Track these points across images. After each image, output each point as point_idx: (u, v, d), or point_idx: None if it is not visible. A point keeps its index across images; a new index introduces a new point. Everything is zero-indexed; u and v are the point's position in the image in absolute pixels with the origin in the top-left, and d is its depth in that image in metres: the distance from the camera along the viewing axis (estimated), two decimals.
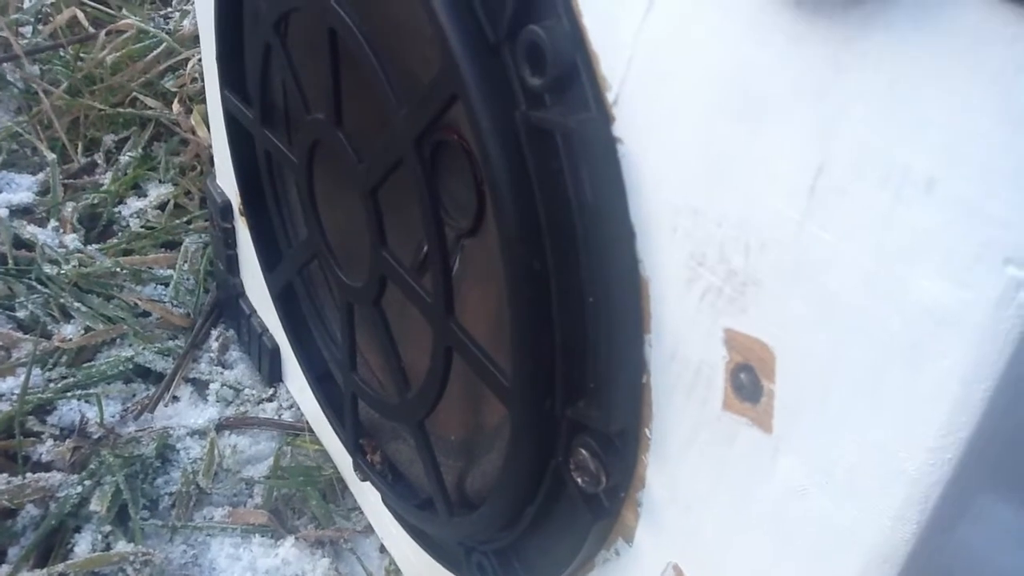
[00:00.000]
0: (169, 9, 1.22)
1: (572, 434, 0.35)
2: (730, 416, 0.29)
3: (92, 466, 0.69)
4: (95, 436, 0.72)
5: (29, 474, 0.68)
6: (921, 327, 0.22)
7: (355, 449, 0.56)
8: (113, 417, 0.75)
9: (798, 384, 0.26)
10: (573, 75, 0.30)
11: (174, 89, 1.07)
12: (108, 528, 0.66)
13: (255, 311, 0.78)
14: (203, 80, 1.06)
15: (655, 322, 0.31)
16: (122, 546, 0.65)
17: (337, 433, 0.59)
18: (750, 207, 0.26)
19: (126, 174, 0.99)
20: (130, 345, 0.81)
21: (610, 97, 0.29)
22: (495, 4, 0.31)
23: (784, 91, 0.24)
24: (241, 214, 0.72)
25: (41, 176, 0.99)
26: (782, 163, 0.24)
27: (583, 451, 0.35)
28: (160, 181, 0.99)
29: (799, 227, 0.24)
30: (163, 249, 0.92)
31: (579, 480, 0.36)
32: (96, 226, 0.94)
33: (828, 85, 0.22)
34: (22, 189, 0.97)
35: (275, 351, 0.77)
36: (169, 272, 0.88)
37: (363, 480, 0.58)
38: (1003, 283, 0.20)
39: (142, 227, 0.94)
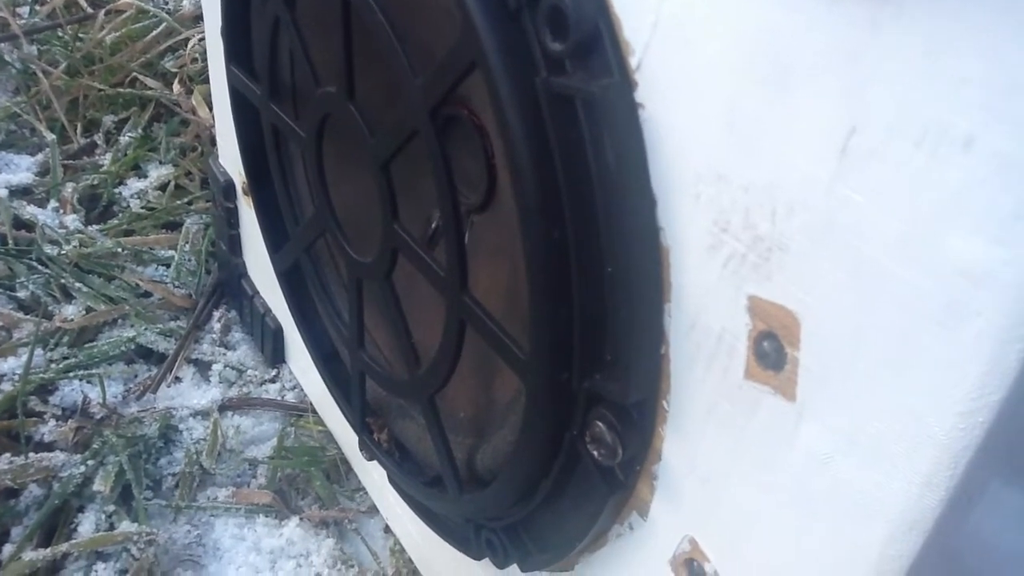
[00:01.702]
0: None
1: (588, 407, 0.35)
2: (752, 385, 0.29)
3: (95, 446, 0.69)
4: (98, 416, 0.72)
5: (32, 454, 0.67)
6: (955, 287, 0.22)
7: (362, 428, 0.56)
8: (115, 397, 0.74)
9: (824, 350, 0.26)
10: (595, 40, 0.29)
11: (174, 69, 1.07)
12: (112, 508, 0.66)
13: (258, 292, 0.78)
14: (204, 60, 1.05)
15: (675, 291, 0.31)
16: (126, 526, 0.64)
17: (343, 412, 0.59)
18: (778, 171, 0.25)
19: (126, 155, 0.98)
20: (132, 326, 0.80)
21: (633, 62, 0.29)
22: None
23: (816, 53, 0.23)
24: (244, 193, 0.71)
25: (40, 157, 0.98)
26: (812, 125, 0.24)
27: (599, 424, 0.35)
28: (160, 162, 0.99)
29: (829, 190, 0.24)
30: (164, 230, 0.92)
31: (595, 453, 0.35)
32: (96, 207, 0.94)
33: (863, 45, 0.22)
34: (21, 169, 0.96)
35: (278, 332, 0.76)
36: (170, 253, 0.88)
37: (369, 459, 0.57)
38: None
39: (143, 208, 0.94)
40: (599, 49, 0.30)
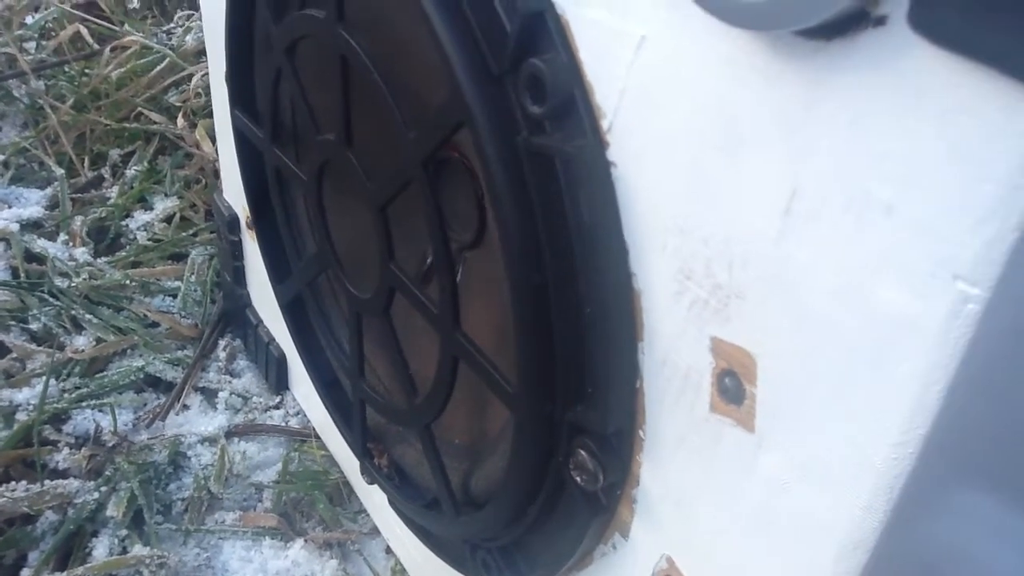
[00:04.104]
0: (171, 25, 1.24)
1: (572, 436, 0.38)
2: (716, 417, 0.32)
3: (107, 473, 0.72)
4: (109, 444, 0.74)
5: (47, 481, 0.70)
6: (884, 334, 0.24)
7: (363, 453, 0.58)
8: (126, 425, 0.77)
9: (777, 387, 0.29)
10: (571, 104, 0.32)
11: (178, 104, 1.10)
12: (124, 532, 0.68)
13: (262, 321, 0.81)
14: (207, 95, 1.09)
15: (647, 331, 0.34)
16: (138, 549, 0.67)
17: (345, 438, 0.61)
18: (732, 227, 0.28)
19: (132, 188, 1.01)
20: (140, 355, 0.83)
21: (605, 125, 0.32)
22: (498, 39, 0.33)
23: (760, 125, 0.26)
24: (248, 227, 0.74)
25: (49, 191, 1.01)
26: (760, 188, 0.27)
27: (582, 451, 0.37)
28: (166, 194, 1.02)
29: (776, 246, 0.27)
30: (170, 261, 0.94)
31: (578, 478, 0.38)
32: (104, 239, 0.96)
33: (799, 120, 0.25)
34: (31, 203, 0.99)
35: (282, 360, 0.79)
36: (176, 284, 0.91)
37: (370, 483, 0.60)
38: (953, 296, 0.22)
39: (149, 240, 0.96)
40: (574, 113, 0.32)
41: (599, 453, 0.37)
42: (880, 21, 0.22)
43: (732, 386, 0.30)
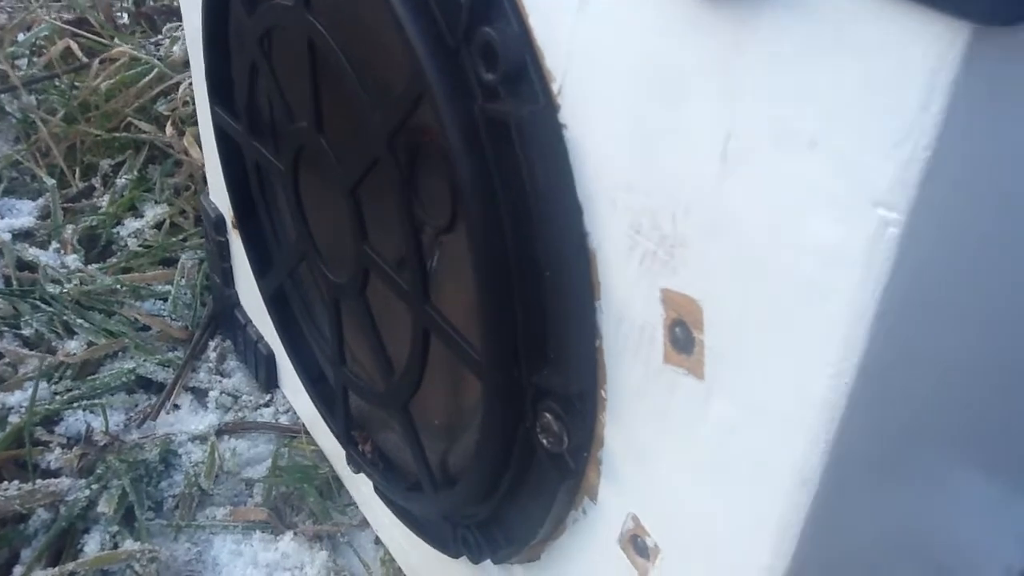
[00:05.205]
0: (159, 36, 1.26)
1: (537, 400, 0.39)
2: (670, 368, 0.32)
3: (99, 471, 0.73)
4: (101, 444, 0.75)
5: (39, 480, 0.71)
6: (815, 267, 0.25)
7: (348, 441, 0.59)
8: (117, 426, 0.78)
9: (722, 332, 0.30)
10: (522, 70, 0.33)
11: (167, 113, 1.11)
12: (115, 528, 0.69)
13: (250, 321, 0.82)
14: (194, 103, 1.10)
15: (604, 290, 0.35)
16: (129, 545, 0.68)
17: (330, 427, 0.62)
18: (674, 176, 0.29)
19: (123, 196, 1.03)
20: (131, 358, 0.84)
21: (555, 88, 0.33)
22: (452, 11, 0.35)
23: (694, 71, 0.27)
24: (234, 227, 0.75)
25: (41, 201, 1.02)
26: (698, 134, 0.28)
27: (547, 415, 0.38)
28: (156, 202, 1.03)
29: (714, 189, 0.28)
30: (161, 266, 0.95)
31: (545, 441, 0.39)
32: (96, 247, 0.98)
33: (729, 63, 0.26)
34: (23, 214, 1.00)
35: (270, 358, 0.80)
36: (167, 288, 0.92)
37: (356, 472, 0.61)
38: (875, 222, 0.23)
39: (140, 246, 0.98)
40: (526, 78, 0.33)
41: (564, 415, 0.38)
42: None
43: (682, 335, 0.31)
